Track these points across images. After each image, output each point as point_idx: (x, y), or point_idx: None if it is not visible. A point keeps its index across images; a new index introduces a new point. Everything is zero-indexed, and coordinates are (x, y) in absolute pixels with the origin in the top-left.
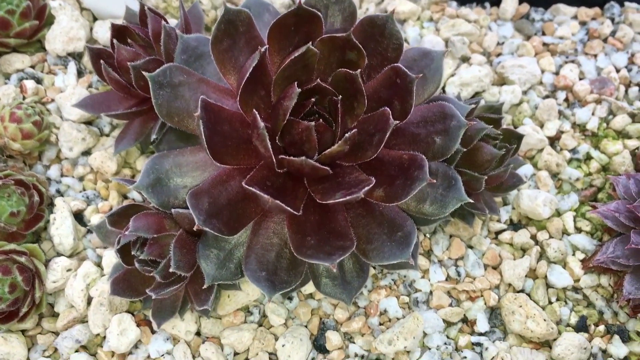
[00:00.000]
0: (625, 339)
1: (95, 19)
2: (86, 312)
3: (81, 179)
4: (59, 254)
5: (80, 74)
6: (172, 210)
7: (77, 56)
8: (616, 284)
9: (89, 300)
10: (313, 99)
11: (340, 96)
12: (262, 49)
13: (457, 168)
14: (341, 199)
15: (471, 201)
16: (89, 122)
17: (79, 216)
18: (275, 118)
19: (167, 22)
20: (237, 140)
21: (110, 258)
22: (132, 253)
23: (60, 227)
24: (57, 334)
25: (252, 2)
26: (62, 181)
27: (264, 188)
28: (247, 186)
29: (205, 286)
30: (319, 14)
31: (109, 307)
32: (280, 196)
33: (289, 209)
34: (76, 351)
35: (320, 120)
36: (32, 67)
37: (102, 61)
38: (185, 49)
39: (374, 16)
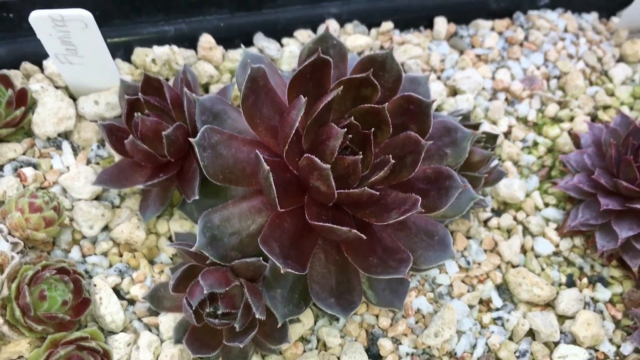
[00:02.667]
0: (605, 284)
1: (71, 96)
2: None
3: (105, 254)
4: (110, 332)
5: (74, 152)
6: (237, 262)
7: (66, 135)
8: (587, 242)
9: None
10: (350, 135)
11: (373, 129)
12: (301, 106)
13: (458, 172)
14: (399, 218)
15: (482, 197)
16: (96, 198)
17: (115, 291)
18: (321, 157)
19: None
20: (286, 185)
21: (168, 323)
22: (206, 310)
23: (109, 305)
24: None
25: (250, 56)
26: (86, 261)
27: (322, 220)
28: (313, 222)
29: (279, 325)
30: (331, 60)
31: None
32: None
33: (357, 232)
34: None
35: (351, 152)
36: (23, 153)
37: (131, 135)
38: (203, 111)
39: (374, 55)
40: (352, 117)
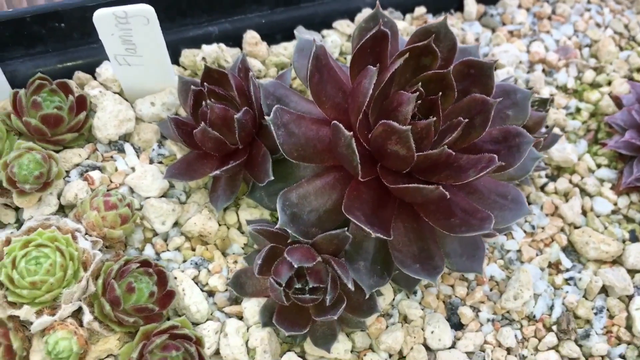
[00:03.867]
0: None
1: (125, 99)
2: None
3: (178, 249)
4: (195, 324)
5: (136, 154)
6: (321, 235)
7: (126, 137)
8: None
9: (249, 352)
10: (417, 102)
11: (440, 93)
12: (373, 72)
13: None
14: (478, 175)
15: (545, 156)
16: (164, 196)
17: (195, 283)
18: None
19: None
20: (362, 157)
21: (253, 308)
22: (295, 287)
23: (192, 296)
24: None
25: (304, 40)
26: (161, 257)
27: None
28: (395, 186)
29: (367, 296)
30: (388, 32)
31: (271, 353)
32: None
33: (443, 190)
34: None
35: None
36: (87, 158)
37: (202, 122)
38: (267, 95)
39: (429, 25)
40: (414, 81)
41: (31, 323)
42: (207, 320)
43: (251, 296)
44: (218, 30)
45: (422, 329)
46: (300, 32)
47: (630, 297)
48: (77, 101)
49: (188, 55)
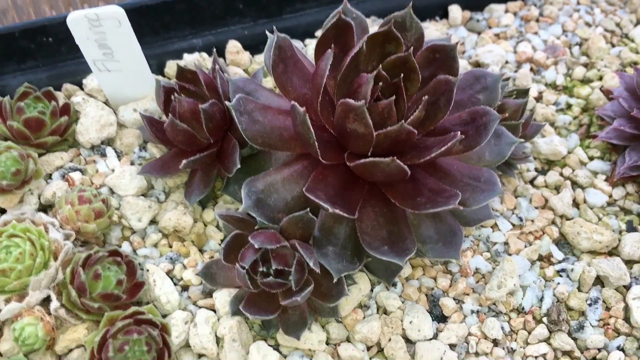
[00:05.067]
0: None
1: (108, 106)
2: (218, 357)
3: (155, 245)
4: (165, 316)
5: (118, 157)
6: (285, 218)
7: (109, 142)
8: None
9: (218, 342)
10: (379, 84)
11: (402, 75)
12: (329, 59)
13: None
14: (440, 150)
15: (522, 140)
16: (143, 195)
17: (169, 277)
18: None
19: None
20: (325, 142)
21: (224, 298)
22: (260, 270)
23: (163, 287)
24: None
25: (281, 39)
26: (137, 254)
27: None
28: (353, 162)
29: (335, 280)
30: (352, 22)
31: (240, 342)
32: None
33: (400, 162)
34: None
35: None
36: (71, 161)
37: (169, 114)
38: (236, 90)
39: (394, 15)
40: (380, 67)
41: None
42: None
43: (222, 287)
44: (202, 43)
45: (401, 320)
46: None
47: (627, 288)
48: (60, 107)
49: (172, 65)
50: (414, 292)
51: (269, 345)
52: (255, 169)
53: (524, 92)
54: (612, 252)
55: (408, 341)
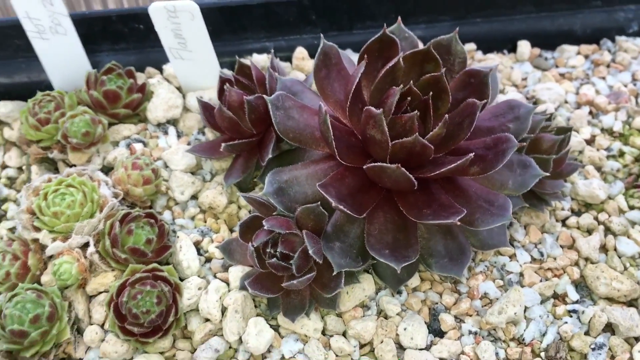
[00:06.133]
0: None
1: (182, 94)
2: (220, 325)
3: (192, 218)
4: (182, 279)
5: (178, 136)
6: (299, 208)
7: (173, 123)
8: None
9: (223, 311)
10: (407, 100)
11: (431, 93)
12: (362, 68)
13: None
14: (450, 166)
15: (547, 174)
16: (192, 173)
17: (196, 247)
18: None
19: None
20: (349, 144)
21: (236, 273)
22: (267, 250)
23: (187, 253)
24: (192, 352)
25: (327, 45)
26: (175, 222)
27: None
28: (366, 166)
29: (334, 273)
30: (397, 39)
31: (242, 314)
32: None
33: (404, 170)
34: None
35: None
36: (137, 134)
37: (219, 102)
38: (283, 88)
39: (439, 39)
40: (414, 85)
41: (47, 247)
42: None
43: (238, 263)
44: (274, 46)
45: (397, 326)
46: (349, 54)
47: (637, 339)
48: (138, 86)
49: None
50: (417, 303)
51: (270, 324)
52: (289, 162)
53: (565, 130)
54: (633, 303)
55: (400, 347)
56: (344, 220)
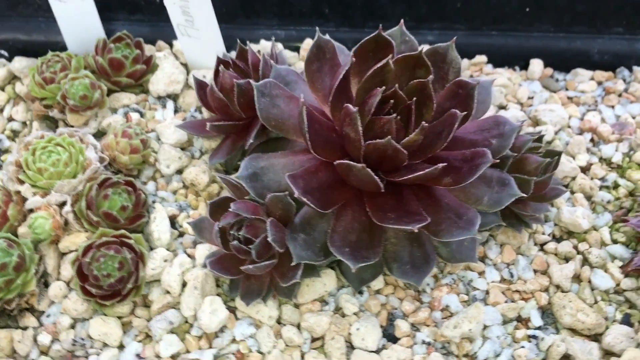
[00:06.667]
0: None
1: (187, 70)
2: (179, 298)
3: (174, 192)
4: (151, 249)
5: (176, 111)
6: (268, 195)
7: (174, 97)
8: None
9: (183, 286)
10: (390, 102)
11: (415, 98)
12: (348, 64)
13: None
14: (419, 173)
15: (524, 195)
16: (182, 148)
17: (172, 221)
18: (360, 116)
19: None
20: (326, 139)
21: (203, 251)
22: (231, 232)
23: (160, 225)
24: (149, 320)
25: (323, 38)
26: (157, 194)
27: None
28: (339, 161)
29: (293, 263)
30: (392, 41)
31: (201, 291)
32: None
33: (369, 170)
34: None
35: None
36: (137, 104)
37: (212, 83)
38: (277, 76)
39: (436, 46)
40: (403, 89)
41: (27, 200)
42: (167, 250)
43: (207, 242)
44: (284, 35)
45: (350, 325)
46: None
47: None
48: (144, 58)
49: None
50: (376, 306)
51: (229, 306)
52: (273, 150)
53: (554, 154)
54: (597, 338)
55: (351, 346)
56: (313, 214)
